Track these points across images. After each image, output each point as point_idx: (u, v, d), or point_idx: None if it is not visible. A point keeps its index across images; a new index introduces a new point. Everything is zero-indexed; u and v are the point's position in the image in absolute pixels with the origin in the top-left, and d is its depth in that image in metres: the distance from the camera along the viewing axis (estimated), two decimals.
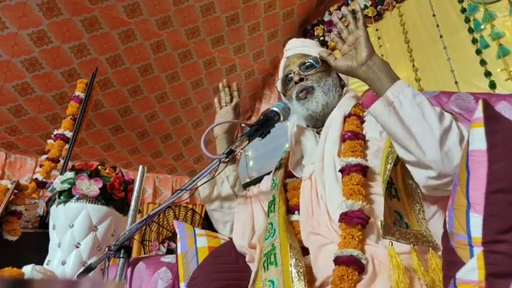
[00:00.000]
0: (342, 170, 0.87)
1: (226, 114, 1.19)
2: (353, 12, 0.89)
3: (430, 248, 0.73)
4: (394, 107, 0.76)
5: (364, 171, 0.85)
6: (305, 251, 0.87)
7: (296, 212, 0.98)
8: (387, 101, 0.76)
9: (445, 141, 0.72)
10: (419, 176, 0.77)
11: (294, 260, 0.79)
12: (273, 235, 0.89)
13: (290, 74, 1.09)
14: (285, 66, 1.13)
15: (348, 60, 0.87)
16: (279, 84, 1.15)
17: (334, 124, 0.98)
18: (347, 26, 0.89)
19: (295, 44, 1.17)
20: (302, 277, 0.76)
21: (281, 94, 1.16)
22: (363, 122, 0.97)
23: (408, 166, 0.79)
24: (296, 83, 1.06)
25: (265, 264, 0.83)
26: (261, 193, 1.14)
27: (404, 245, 0.73)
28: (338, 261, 0.74)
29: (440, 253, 0.68)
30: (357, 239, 0.75)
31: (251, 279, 0.90)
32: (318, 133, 1.05)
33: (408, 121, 0.74)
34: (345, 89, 1.10)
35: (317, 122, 1.06)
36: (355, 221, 0.77)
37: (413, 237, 0.74)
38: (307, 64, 1.06)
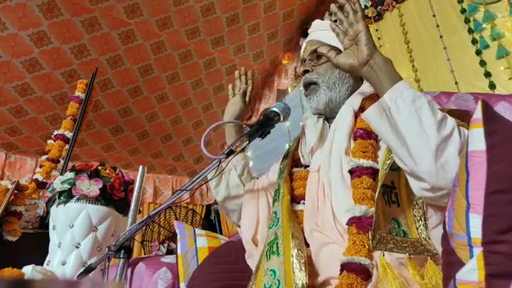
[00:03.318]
0: (351, 171, 0.84)
1: (236, 103, 1.19)
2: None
3: (429, 258, 0.71)
4: (390, 113, 0.72)
5: (375, 175, 0.82)
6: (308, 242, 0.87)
7: (301, 201, 0.96)
8: (382, 106, 0.73)
9: (442, 152, 0.67)
10: (414, 185, 0.74)
11: (296, 250, 0.79)
12: (277, 224, 0.88)
13: (303, 62, 1.10)
14: (303, 51, 1.13)
15: (349, 58, 0.81)
16: (299, 68, 1.16)
17: (343, 119, 0.95)
18: (347, 16, 0.83)
19: (316, 27, 1.13)
20: (303, 268, 0.75)
21: None
22: None
23: (405, 173, 0.77)
24: (302, 74, 1.06)
25: (268, 253, 0.82)
26: (269, 183, 1.13)
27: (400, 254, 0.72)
28: (347, 267, 0.72)
29: (439, 262, 0.67)
30: (367, 246, 0.74)
31: (254, 267, 0.90)
32: (328, 121, 1.04)
33: (403, 128, 0.70)
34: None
35: (325, 115, 1.04)
36: (368, 228, 0.75)
37: (411, 246, 0.72)
38: (318, 53, 1.04)
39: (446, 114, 0.72)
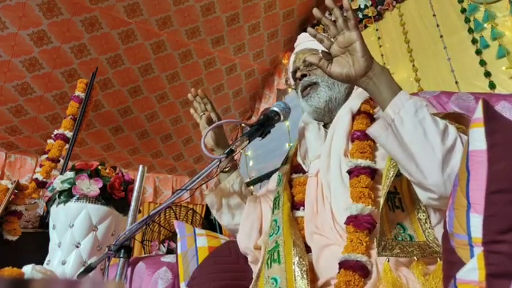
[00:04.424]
0: (350, 172, 0.85)
1: (206, 130, 1.10)
2: (341, 7, 0.79)
3: (438, 259, 0.70)
4: (395, 125, 0.71)
5: (373, 174, 0.83)
6: (309, 248, 0.86)
7: (301, 208, 0.96)
8: (387, 121, 0.72)
9: (447, 163, 0.68)
10: (421, 194, 0.74)
11: (297, 258, 0.79)
12: (277, 232, 0.88)
13: (296, 71, 1.10)
14: (293, 62, 1.14)
15: (344, 67, 0.78)
16: (291, 80, 1.16)
17: (341, 122, 0.95)
18: (335, 21, 0.79)
19: (303, 38, 1.15)
20: (305, 275, 0.76)
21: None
22: (373, 120, 0.94)
23: (411, 183, 0.77)
24: (300, 79, 1.07)
25: (269, 262, 0.83)
26: (270, 192, 1.13)
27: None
28: (344, 265, 0.73)
29: None
30: (364, 244, 0.74)
31: (255, 275, 0.90)
32: (325, 127, 1.05)
33: (409, 142, 0.70)
34: None
35: (324, 117, 1.05)
36: (365, 226, 0.76)
37: (418, 249, 0.72)
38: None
39: (447, 123, 0.72)
